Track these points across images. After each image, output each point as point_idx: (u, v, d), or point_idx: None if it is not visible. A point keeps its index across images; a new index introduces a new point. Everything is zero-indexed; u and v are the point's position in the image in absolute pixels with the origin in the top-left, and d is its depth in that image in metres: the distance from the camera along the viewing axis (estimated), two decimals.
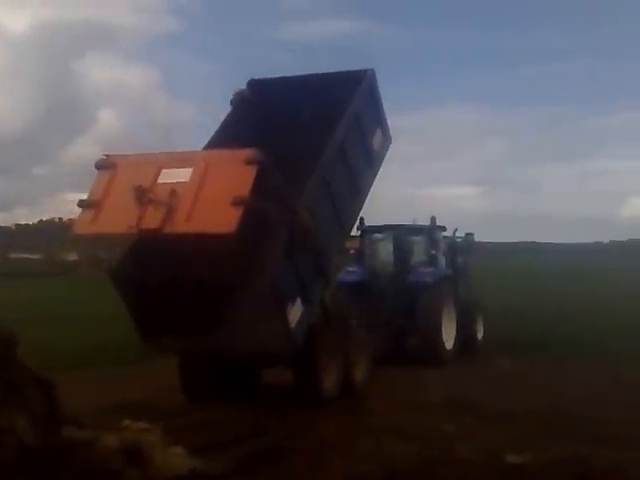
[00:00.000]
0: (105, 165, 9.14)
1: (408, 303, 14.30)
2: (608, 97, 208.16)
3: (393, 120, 12.30)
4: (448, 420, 9.27)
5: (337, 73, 11.62)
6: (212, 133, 11.11)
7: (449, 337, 14.51)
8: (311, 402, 9.94)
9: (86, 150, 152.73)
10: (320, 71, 11.92)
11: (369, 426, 9.06)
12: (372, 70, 11.50)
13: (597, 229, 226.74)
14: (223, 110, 11.62)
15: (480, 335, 16.40)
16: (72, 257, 57.44)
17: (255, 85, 11.86)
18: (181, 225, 8.35)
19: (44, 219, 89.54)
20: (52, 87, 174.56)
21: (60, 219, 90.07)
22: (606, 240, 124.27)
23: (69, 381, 8.90)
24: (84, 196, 9.02)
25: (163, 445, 6.55)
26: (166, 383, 11.51)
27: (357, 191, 11.16)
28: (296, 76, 11.90)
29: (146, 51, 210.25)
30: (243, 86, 11.81)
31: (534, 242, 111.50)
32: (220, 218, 8.13)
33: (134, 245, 9.68)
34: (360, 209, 11.76)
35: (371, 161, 11.58)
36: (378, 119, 11.79)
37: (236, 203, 8.12)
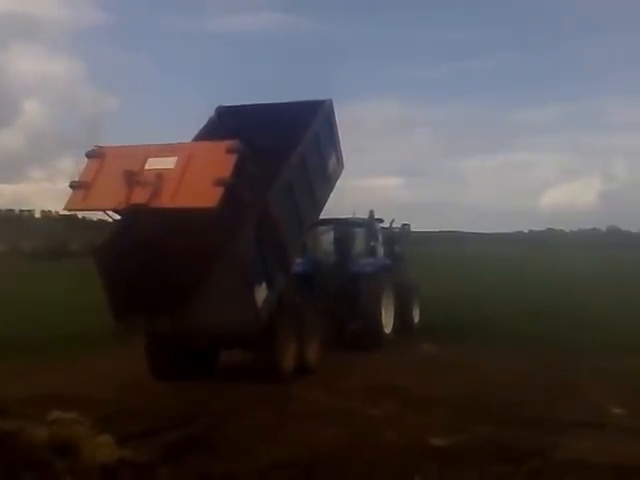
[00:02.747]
0: (95, 154, 10.00)
1: (349, 292, 14.71)
2: (529, 91, 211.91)
3: None
4: (374, 405, 9.54)
5: (299, 102, 13.02)
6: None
7: (388, 322, 15.24)
8: (272, 379, 10.65)
9: (11, 142, 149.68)
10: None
11: (295, 412, 9.25)
12: (330, 100, 12.97)
13: (517, 219, 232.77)
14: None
15: (417, 319, 17.32)
16: None
17: (223, 111, 12.97)
18: (167, 200, 9.17)
19: None
20: None
21: None
22: (526, 230, 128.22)
23: None
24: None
25: (92, 435, 6.63)
26: (99, 373, 11.67)
27: (314, 201, 12.31)
28: (262, 104, 13.15)
29: (72, 44, 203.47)
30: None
31: (458, 231, 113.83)
32: (203, 195, 8.99)
33: (116, 229, 10.40)
34: (316, 218, 12.97)
35: (326, 179, 12.81)
36: (333, 145, 13.12)
37: (218, 183, 8.99)
